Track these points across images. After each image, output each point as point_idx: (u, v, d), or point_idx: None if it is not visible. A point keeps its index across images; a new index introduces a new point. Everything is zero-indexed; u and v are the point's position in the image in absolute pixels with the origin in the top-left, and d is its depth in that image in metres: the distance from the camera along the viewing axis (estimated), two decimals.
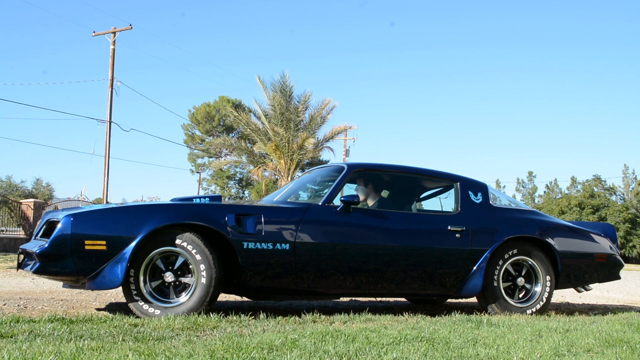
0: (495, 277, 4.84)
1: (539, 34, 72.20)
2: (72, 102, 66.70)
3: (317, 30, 79.45)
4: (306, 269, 4.38)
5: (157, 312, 4.00)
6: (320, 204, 4.58)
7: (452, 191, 5.14)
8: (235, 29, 77.27)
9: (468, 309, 5.54)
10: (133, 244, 3.88)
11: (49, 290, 6.03)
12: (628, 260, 38.53)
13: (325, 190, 4.80)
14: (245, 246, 4.18)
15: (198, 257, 4.03)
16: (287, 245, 4.28)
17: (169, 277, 4.08)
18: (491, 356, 2.90)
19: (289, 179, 19.62)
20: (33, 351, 2.65)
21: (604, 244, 5.39)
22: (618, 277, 5.51)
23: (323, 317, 4.29)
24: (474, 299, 5.26)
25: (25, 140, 73.62)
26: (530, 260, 4.96)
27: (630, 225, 38.51)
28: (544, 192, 51.58)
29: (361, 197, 5.07)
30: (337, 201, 4.65)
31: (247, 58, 74.31)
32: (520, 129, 77.93)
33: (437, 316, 4.54)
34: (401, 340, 3.24)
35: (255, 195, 46.28)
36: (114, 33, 24.37)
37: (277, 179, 26.94)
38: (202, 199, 4.49)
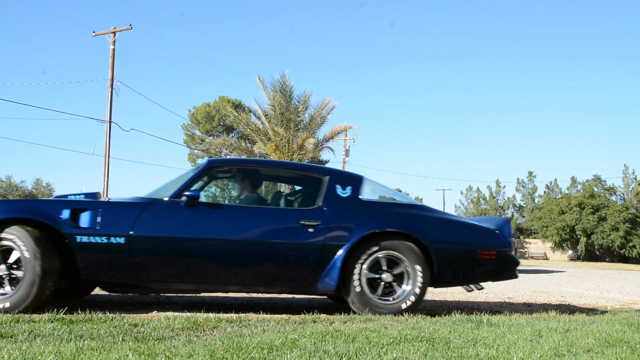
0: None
1: (539, 34, 72.23)
2: (72, 102, 66.75)
3: (317, 31, 79.49)
4: (144, 262, 4.40)
5: None
6: (167, 198, 4.61)
7: (320, 185, 4.93)
8: (235, 29, 77.32)
9: (468, 309, 5.54)
10: None
11: None
12: (628, 260, 38.52)
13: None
14: (78, 240, 4.27)
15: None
16: (122, 239, 4.33)
17: (2, 269, 4.23)
18: (491, 356, 2.90)
19: None
20: (33, 351, 2.65)
21: (492, 240, 4.91)
22: (514, 276, 5.04)
23: (323, 317, 4.29)
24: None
25: (25, 140, 73.56)
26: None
27: (630, 225, 38.53)
28: (544, 192, 51.65)
29: (236, 193, 5.12)
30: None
31: (247, 58, 74.38)
32: (520, 129, 77.98)
33: (437, 316, 4.55)
34: (401, 340, 3.24)
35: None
36: (114, 33, 24.38)
37: None
38: (77, 196, 4.71)
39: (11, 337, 3.06)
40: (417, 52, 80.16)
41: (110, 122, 23.70)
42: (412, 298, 4.60)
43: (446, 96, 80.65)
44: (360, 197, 4.85)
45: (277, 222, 4.66)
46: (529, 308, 6.02)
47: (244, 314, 4.39)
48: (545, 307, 6.12)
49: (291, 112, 19.19)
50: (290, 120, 19.17)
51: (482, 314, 4.61)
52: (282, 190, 5.54)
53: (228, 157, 5.17)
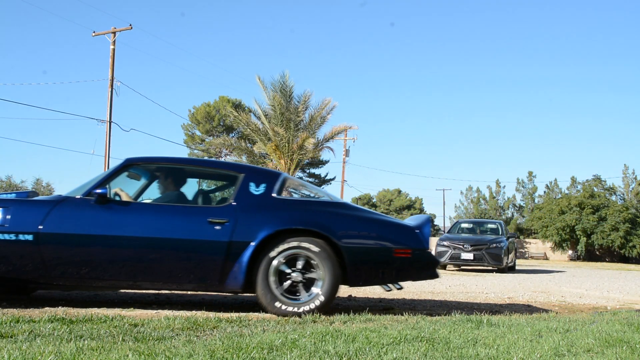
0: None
1: (539, 35, 72.21)
2: (72, 102, 66.76)
3: (317, 31, 79.47)
4: (52, 260, 4.44)
5: None
6: (78, 196, 4.64)
7: (234, 183, 4.95)
8: (235, 29, 77.31)
9: (468, 309, 5.54)
10: None
11: (48, 291, 6.03)
12: (628, 260, 38.51)
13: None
14: None
15: None
16: (31, 236, 4.37)
17: None
18: (491, 356, 2.90)
19: None
20: (33, 351, 2.65)
21: (408, 238, 4.78)
22: (433, 275, 4.89)
23: (323, 317, 4.30)
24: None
25: (25, 140, 73.67)
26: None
27: (630, 225, 38.50)
28: (544, 192, 51.60)
29: (159, 191, 5.14)
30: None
31: (247, 58, 74.36)
32: (520, 129, 77.97)
33: (437, 316, 4.55)
34: (401, 340, 3.24)
35: None
36: (114, 33, 24.38)
37: None
38: (8, 195, 4.83)
39: (11, 337, 3.06)
40: (417, 52, 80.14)
41: (110, 122, 23.71)
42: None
43: (446, 96, 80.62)
44: (273, 195, 4.79)
45: (184, 219, 4.64)
46: (529, 308, 6.02)
47: (244, 314, 4.39)
48: (545, 307, 6.12)
49: (291, 112, 19.20)
50: (290, 120, 19.17)
51: (482, 314, 4.61)
52: (203, 188, 5.52)
53: (146, 155, 5.23)
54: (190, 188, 5.31)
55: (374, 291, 7.57)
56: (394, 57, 79.85)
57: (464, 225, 17.35)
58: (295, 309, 4.44)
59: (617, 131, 72.19)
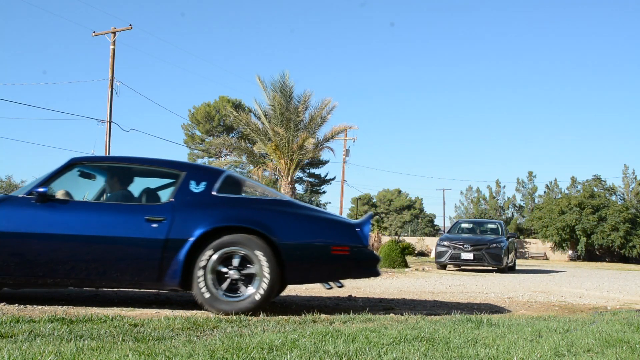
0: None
1: (539, 35, 72.23)
2: (72, 102, 66.83)
3: (317, 31, 79.50)
4: None
5: None
6: (21, 195, 4.69)
7: (176, 181, 4.95)
8: (235, 29, 77.33)
9: (468, 309, 5.54)
10: None
11: (48, 290, 6.03)
12: (628, 260, 38.49)
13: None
14: None
15: None
16: None
17: None
18: (491, 356, 2.90)
19: (289, 179, 19.62)
20: (33, 351, 2.65)
21: (346, 235, 4.73)
22: (373, 273, 4.84)
23: (323, 317, 4.30)
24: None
25: (25, 140, 73.69)
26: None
27: (630, 225, 38.49)
28: (544, 192, 51.61)
29: (108, 190, 5.18)
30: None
31: (247, 58, 74.41)
32: (520, 129, 78.00)
33: (437, 316, 4.55)
34: (401, 340, 3.24)
35: None
36: (114, 33, 24.38)
37: (277, 179, 26.93)
38: None
39: (11, 337, 3.06)
40: (417, 52, 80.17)
41: (110, 122, 23.71)
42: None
43: (446, 96, 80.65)
44: (213, 192, 4.80)
45: (122, 217, 4.66)
46: (529, 308, 6.02)
47: (244, 314, 4.39)
48: (545, 307, 6.12)
49: (291, 112, 19.19)
50: (290, 120, 19.16)
51: (482, 314, 4.61)
52: (149, 187, 5.55)
53: (91, 155, 5.23)
54: (136, 186, 5.36)
55: (374, 291, 7.57)
56: (394, 57, 79.90)
57: (464, 225, 17.35)
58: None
59: (617, 131, 72.26)
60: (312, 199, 51.78)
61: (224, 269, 4.50)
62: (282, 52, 76.51)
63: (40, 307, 4.53)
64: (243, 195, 5.18)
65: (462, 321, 4.13)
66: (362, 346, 3.04)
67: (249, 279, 4.51)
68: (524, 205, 53.35)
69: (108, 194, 5.15)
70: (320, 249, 4.68)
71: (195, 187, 4.80)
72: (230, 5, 79.83)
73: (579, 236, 39.95)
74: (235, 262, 4.51)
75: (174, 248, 4.49)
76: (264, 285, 4.46)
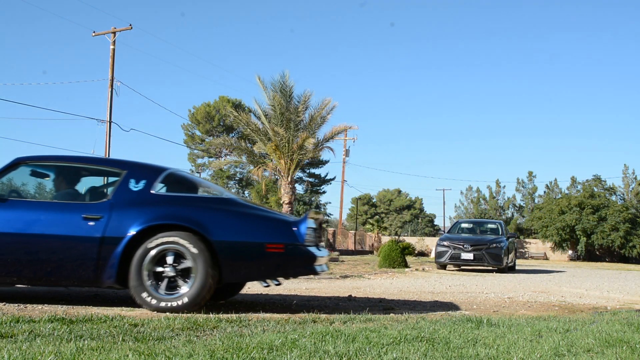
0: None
1: (540, 35, 72.19)
2: (72, 102, 66.87)
3: (317, 31, 79.49)
4: None
5: None
6: None
7: (117, 179, 4.98)
8: (235, 29, 77.30)
9: (468, 309, 5.54)
10: None
11: (48, 290, 6.03)
12: (628, 260, 38.48)
13: None
14: None
15: None
16: None
17: None
18: (491, 356, 2.90)
19: (289, 179, 19.61)
20: (33, 351, 2.65)
21: (281, 233, 4.70)
22: (311, 271, 4.76)
23: (323, 317, 4.30)
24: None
25: (25, 140, 73.75)
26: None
27: (630, 225, 38.48)
28: (544, 192, 51.62)
29: (55, 189, 5.21)
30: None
31: (247, 58, 74.42)
32: (520, 129, 77.99)
33: (437, 316, 4.55)
34: (401, 340, 3.24)
35: (255, 195, 46.30)
36: (114, 33, 24.38)
37: (277, 179, 26.95)
38: None
39: (11, 337, 3.06)
40: (417, 52, 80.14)
41: (110, 122, 23.71)
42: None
43: (446, 96, 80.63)
44: (152, 191, 4.82)
45: (60, 215, 4.69)
46: (529, 308, 6.02)
47: (244, 314, 4.39)
48: (545, 307, 6.12)
49: (291, 112, 19.18)
50: (290, 120, 19.15)
51: (482, 314, 4.61)
52: (93, 186, 5.58)
53: (35, 154, 5.34)
54: (82, 185, 5.41)
55: (374, 291, 7.57)
56: (394, 57, 79.87)
57: (464, 225, 17.35)
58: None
59: (617, 131, 72.26)
60: (312, 198, 51.79)
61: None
62: (282, 52, 76.55)
63: (40, 307, 4.53)
64: (182, 193, 5.19)
65: (462, 321, 4.13)
66: (362, 346, 3.04)
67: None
68: (524, 205, 53.36)
69: (54, 193, 5.21)
70: (255, 246, 4.66)
71: (135, 186, 4.84)
72: (230, 6, 79.86)
73: (579, 236, 39.95)
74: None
75: (110, 246, 4.54)
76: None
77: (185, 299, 4.46)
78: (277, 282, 5.04)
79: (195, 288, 4.46)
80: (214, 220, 4.67)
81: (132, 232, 4.52)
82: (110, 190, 4.93)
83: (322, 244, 5.44)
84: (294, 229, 4.70)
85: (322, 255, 4.94)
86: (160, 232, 4.54)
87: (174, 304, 4.45)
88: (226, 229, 4.66)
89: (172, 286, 4.54)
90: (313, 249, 4.74)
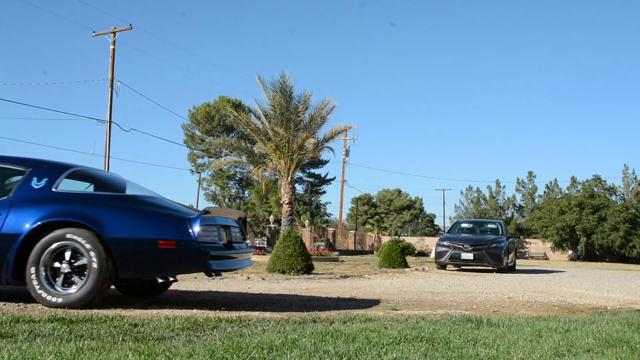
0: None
1: (539, 35, 72.21)
2: (72, 102, 66.89)
3: (317, 31, 79.48)
4: None
5: None
6: None
7: (20, 177, 5.04)
8: (235, 29, 77.30)
9: (468, 309, 5.54)
10: None
11: None
12: (628, 260, 38.48)
13: None
14: None
15: None
16: None
17: None
18: (491, 356, 2.90)
19: (289, 179, 19.61)
20: (33, 351, 2.65)
21: (173, 229, 4.70)
22: (204, 267, 4.71)
23: (323, 317, 4.29)
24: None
25: (25, 140, 73.76)
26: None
27: (630, 225, 38.47)
28: (544, 192, 51.61)
29: None
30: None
31: (247, 58, 74.43)
32: (520, 129, 77.99)
33: (437, 316, 4.55)
34: (401, 340, 3.24)
35: (255, 195, 46.32)
36: (114, 33, 24.38)
37: (277, 179, 26.94)
38: None
39: (11, 337, 3.06)
40: (417, 52, 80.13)
41: (110, 122, 23.71)
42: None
43: (446, 96, 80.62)
44: (53, 188, 4.87)
45: None
46: (529, 308, 6.02)
47: (244, 314, 4.39)
48: (545, 307, 6.12)
49: (291, 112, 19.17)
50: (290, 120, 19.15)
51: (482, 314, 4.61)
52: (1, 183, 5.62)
53: None
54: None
55: (374, 291, 7.57)
56: (394, 57, 79.87)
57: (464, 225, 17.34)
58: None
59: (617, 131, 72.26)
60: (312, 198, 51.78)
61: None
62: (282, 52, 76.54)
63: (40, 307, 4.53)
64: (82, 190, 5.23)
65: (462, 321, 4.13)
66: (362, 346, 3.04)
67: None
68: (524, 205, 53.35)
69: None
70: (148, 243, 4.68)
71: (36, 184, 4.89)
72: (230, 6, 79.85)
73: (579, 236, 39.94)
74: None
75: (7, 243, 4.60)
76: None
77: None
78: (172, 279, 5.07)
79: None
80: (109, 217, 4.72)
81: (27, 229, 4.58)
82: (12, 188, 4.98)
83: (247, 241, 5.48)
84: (188, 225, 4.69)
85: (231, 252, 4.99)
86: (58, 229, 4.60)
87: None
88: (120, 225, 4.70)
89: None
90: (212, 246, 4.75)
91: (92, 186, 5.58)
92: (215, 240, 4.87)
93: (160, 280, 4.88)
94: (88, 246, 4.53)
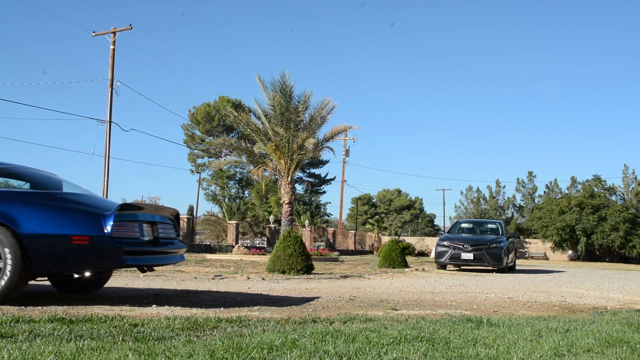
0: None
1: (539, 35, 72.24)
2: (72, 102, 66.89)
3: (317, 31, 79.48)
4: None
5: None
6: None
7: None
8: (235, 29, 77.31)
9: (468, 309, 5.54)
10: None
11: (48, 291, 6.03)
12: (628, 260, 38.48)
13: None
14: None
15: None
16: None
17: None
18: (491, 356, 2.90)
19: (289, 178, 19.61)
20: (33, 351, 2.65)
21: (86, 225, 4.73)
22: (117, 263, 4.74)
23: (323, 317, 4.29)
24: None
25: (25, 140, 73.77)
26: None
27: (630, 225, 38.47)
28: (544, 192, 51.62)
29: None
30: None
31: (247, 58, 74.43)
32: (520, 129, 77.99)
33: (437, 316, 4.54)
34: (401, 340, 3.24)
35: (255, 195, 46.32)
36: (114, 33, 24.38)
37: (277, 179, 26.94)
38: None
39: (11, 337, 3.06)
40: (417, 52, 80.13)
41: (110, 122, 23.71)
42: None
43: (446, 96, 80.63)
44: None
45: None
46: (529, 308, 6.02)
47: (244, 314, 4.39)
48: (545, 307, 6.12)
49: (291, 112, 19.16)
50: (290, 120, 19.14)
51: (482, 314, 4.61)
52: None
53: None
54: None
55: (374, 291, 7.57)
56: (394, 57, 79.89)
57: (464, 225, 17.34)
58: None
59: (617, 131, 72.28)
60: (312, 198, 51.78)
61: None
62: (282, 52, 76.55)
63: (40, 307, 4.53)
64: (4, 188, 5.24)
65: (462, 321, 4.13)
66: (362, 346, 3.04)
67: None
68: (524, 205, 53.36)
69: None
70: (62, 239, 4.69)
71: None
72: (230, 6, 79.87)
73: (579, 236, 39.94)
74: None
75: None
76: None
77: None
78: (89, 274, 5.05)
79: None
80: (24, 213, 4.73)
81: None
82: None
83: (179, 237, 5.58)
84: (102, 221, 4.71)
85: (154, 248, 5.02)
86: None
87: None
88: (35, 222, 4.71)
89: None
90: (129, 241, 4.78)
91: (28, 184, 5.57)
92: (136, 236, 4.91)
93: (76, 275, 4.90)
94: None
